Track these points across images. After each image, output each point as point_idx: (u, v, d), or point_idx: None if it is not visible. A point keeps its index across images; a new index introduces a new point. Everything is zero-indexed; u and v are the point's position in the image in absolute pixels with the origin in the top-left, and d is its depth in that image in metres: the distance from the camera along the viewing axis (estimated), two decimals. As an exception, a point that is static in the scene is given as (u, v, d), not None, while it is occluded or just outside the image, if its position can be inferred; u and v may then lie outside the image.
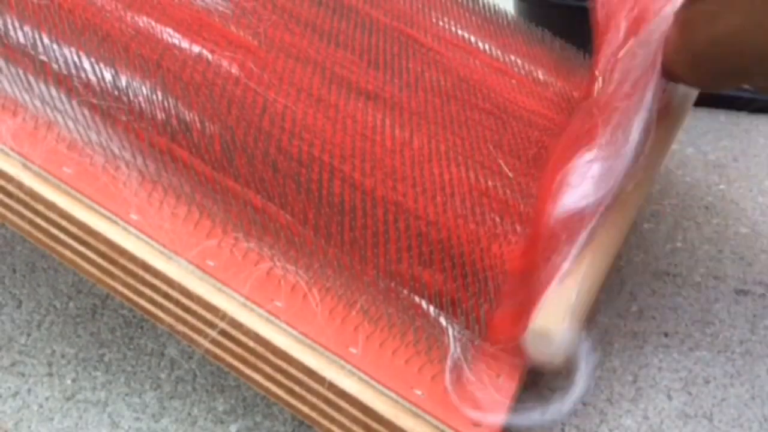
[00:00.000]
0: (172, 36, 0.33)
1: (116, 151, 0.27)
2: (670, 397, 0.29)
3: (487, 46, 0.47)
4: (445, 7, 0.50)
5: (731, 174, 0.45)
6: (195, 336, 0.26)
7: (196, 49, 0.33)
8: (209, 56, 0.33)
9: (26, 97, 0.28)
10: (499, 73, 0.45)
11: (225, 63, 0.33)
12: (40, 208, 0.26)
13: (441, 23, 0.48)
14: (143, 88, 0.29)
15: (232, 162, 0.28)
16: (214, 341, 0.26)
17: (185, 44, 0.33)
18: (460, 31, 0.48)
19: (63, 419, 0.30)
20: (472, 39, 0.47)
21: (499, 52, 0.47)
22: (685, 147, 0.47)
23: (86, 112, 0.28)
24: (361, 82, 0.37)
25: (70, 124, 0.27)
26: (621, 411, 0.28)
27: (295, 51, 0.37)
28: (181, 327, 0.26)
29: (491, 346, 0.26)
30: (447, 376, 0.25)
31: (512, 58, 0.47)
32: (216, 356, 0.26)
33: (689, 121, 0.49)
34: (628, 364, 0.30)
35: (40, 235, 0.27)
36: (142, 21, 0.33)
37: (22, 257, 0.38)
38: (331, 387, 0.25)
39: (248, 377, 0.26)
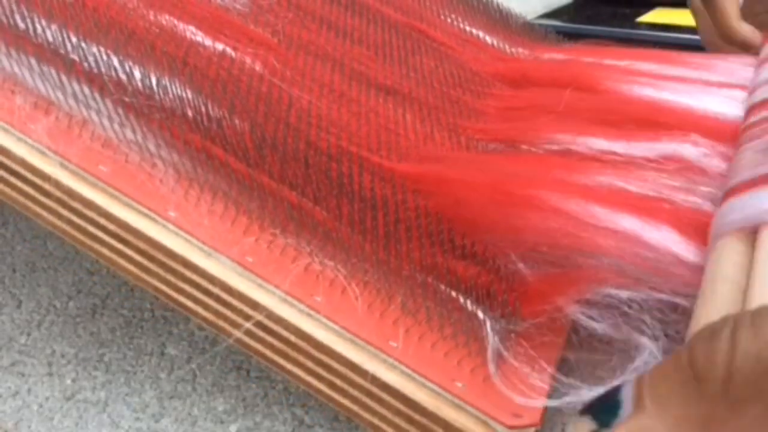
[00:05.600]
0: (195, 34, 0.33)
1: (152, 148, 0.27)
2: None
3: (495, 41, 0.47)
4: (452, 4, 0.50)
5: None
6: (234, 331, 0.26)
7: (219, 46, 0.33)
8: (233, 53, 0.33)
9: (60, 96, 0.28)
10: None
11: (248, 60, 0.33)
12: (78, 206, 0.26)
13: (449, 19, 0.48)
14: (174, 86, 0.29)
15: (264, 158, 0.28)
16: (254, 336, 0.26)
17: (209, 42, 0.33)
18: (468, 27, 0.48)
19: (63, 419, 0.29)
20: (480, 34, 0.48)
21: (506, 46, 0.47)
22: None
23: (120, 110, 0.27)
24: (379, 78, 0.38)
25: (105, 122, 0.27)
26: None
27: (313, 48, 0.37)
28: (221, 323, 0.26)
29: (528, 321, 0.26)
30: (489, 367, 0.25)
31: (519, 50, 0.47)
32: (256, 351, 0.26)
33: None
34: (628, 363, 0.30)
35: (77, 234, 0.27)
36: (165, 19, 0.33)
37: (22, 257, 0.37)
38: (374, 380, 0.25)
39: (289, 372, 0.26)
